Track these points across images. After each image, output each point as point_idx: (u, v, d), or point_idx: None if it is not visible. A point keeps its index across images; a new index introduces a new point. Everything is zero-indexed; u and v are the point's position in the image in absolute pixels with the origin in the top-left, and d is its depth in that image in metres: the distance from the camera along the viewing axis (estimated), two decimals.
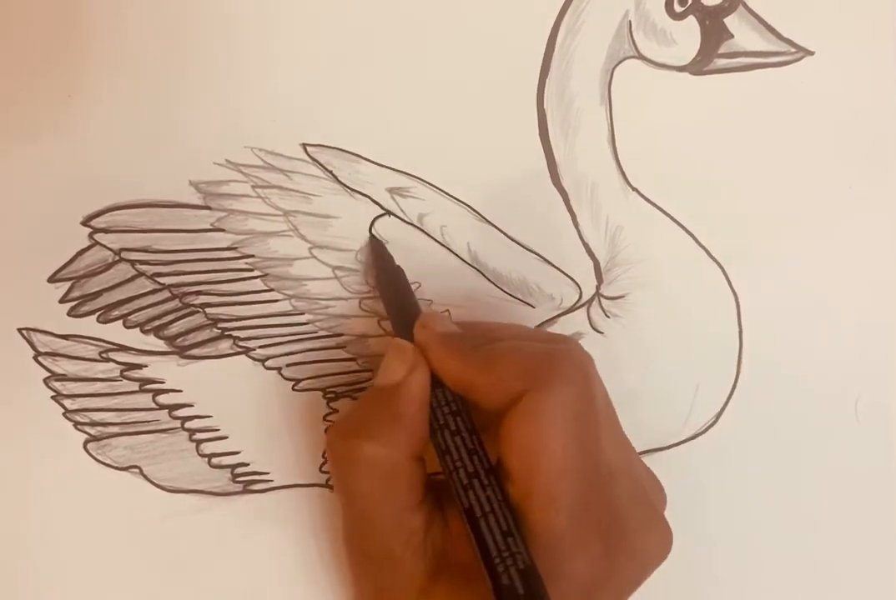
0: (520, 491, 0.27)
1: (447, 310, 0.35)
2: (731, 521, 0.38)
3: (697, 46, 0.34)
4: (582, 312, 0.36)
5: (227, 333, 0.34)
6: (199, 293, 0.34)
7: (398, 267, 0.33)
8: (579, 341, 0.36)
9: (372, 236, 0.34)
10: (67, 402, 0.34)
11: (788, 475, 0.38)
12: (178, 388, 0.35)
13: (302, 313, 0.34)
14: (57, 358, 0.34)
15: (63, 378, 0.34)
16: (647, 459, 0.37)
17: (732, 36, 0.34)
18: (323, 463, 0.36)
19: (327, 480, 0.36)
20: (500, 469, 0.28)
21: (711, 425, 0.37)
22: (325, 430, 0.34)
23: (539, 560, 0.26)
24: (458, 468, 0.28)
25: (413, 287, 0.34)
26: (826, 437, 0.38)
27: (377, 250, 0.34)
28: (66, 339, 0.33)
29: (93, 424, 0.34)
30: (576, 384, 0.28)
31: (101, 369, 0.34)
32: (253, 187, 0.33)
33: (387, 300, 0.33)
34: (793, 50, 0.35)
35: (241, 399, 0.35)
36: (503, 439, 0.28)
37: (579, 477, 0.27)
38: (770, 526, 0.38)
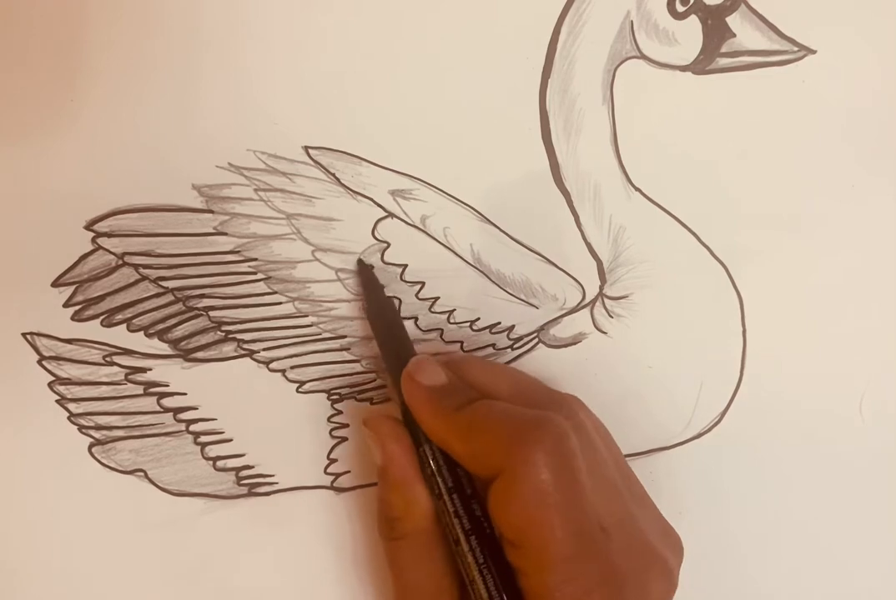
0: (516, 556, 0.28)
1: (440, 353, 0.35)
2: (736, 520, 0.38)
3: (699, 46, 0.34)
4: (585, 312, 0.36)
5: (231, 336, 0.34)
6: (202, 296, 0.34)
7: (389, 298, 0.34)
8: (583, 341, 0.36)
9: (360, 262, 0.34)
10: (72, 406, 0.34)
11: (792, 474, 0.38)
12: (182, 391, 0.35)
13: (306, 315, 0.34)
14: (61, 362, 0.34)
15: (67, 382, 0.34)
16: (651, 459, 0.37)
17: (735, 35, 0.34)
18: (328, 465, 0.36)
19: (332, 482, 0.36)
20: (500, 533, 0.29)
21: (715, 424, 0.37)
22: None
23: None
24: (448, 532, 0.30)
25: (416, 287, 0.35)
26: (830, 436, 0.38)
27: (366, 279, 0.34)
28: (70, 343, 0.33)
29: (97, 428, 0.34)
30: (551, 455, 0.28)
31: (105, 373, 0.34)
32: (255, 190, 0.33)
33: (377, 335, 0.33)
34: (795, 49, 0.35)
35: (246, 401, 0.35)
36: (491, 510, 0.29)
37: (566, 539, 0.28)
38: (775, 524, 0.39)
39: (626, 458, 0.37)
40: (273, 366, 0.35)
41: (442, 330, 0.35)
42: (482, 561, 0.29)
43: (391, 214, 0.34)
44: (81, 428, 0.34)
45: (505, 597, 0.28)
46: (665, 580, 0.30)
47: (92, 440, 0.34)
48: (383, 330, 0.33)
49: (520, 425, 0.29)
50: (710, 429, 0.38)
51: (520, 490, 0.28)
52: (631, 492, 0.32)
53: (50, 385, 0.34)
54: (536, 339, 0.36)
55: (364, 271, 0.34)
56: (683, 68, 0.34)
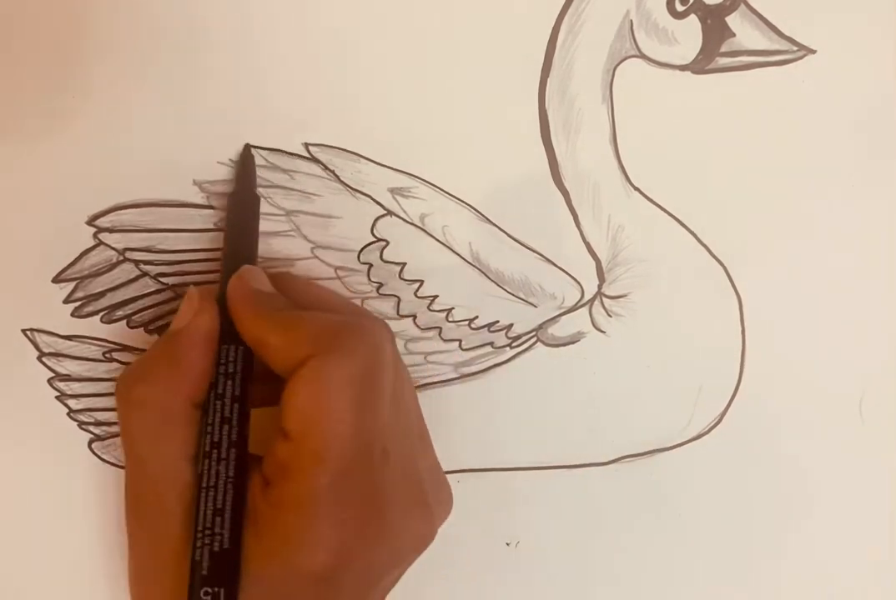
0: (290, 451, 0.27)
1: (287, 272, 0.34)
2: (736, 522, 0.38)
3: (699, 45, 0.34)
4: (584, 312, 0.36)
5: None
6: None
7: (256, 195, 0.33)
8: (581, 340, 0.36)
9: (246, 147, 0.33)
10: (72, 402, 0.34)
11: (792, 475, 0.38)
12: None
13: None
14: (61, 358, 0.34)
15: (67, 378, 0.34)
16: (650, 460, 0.37)
17: (734, 34, 0.34)
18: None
19: None
20: (279, 431, 0.28)
21: (715, 425, 0.37)
22: None
23: (290, 522, 0.27)
24: (207, 433, 0.28)
25: (415, 285, 0.35)
26: (830, 437, 0.38)
27: (244, 168, 0.33)
28: (70, 340, 0.34)
29: (97, 424, 0.34)
30: (363, 356, 0.28)
31: (105, 369, 0.34)
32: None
33: (228, 233, 0.32)
34: (794, 48, 0.35)
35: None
36: (284, 400, 0.27)
37: (351, 445, 0.27)
38: (774, 526, 0.38)
39: (625, 459, 0.37)
40: None
41: (440, 328, 0.35)
42: (231, 474, 0.28)
43: (390, 212, 0.34)
44: (81, 424, 0.34)
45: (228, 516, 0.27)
46: (426, 524, 0.30)
47: (92, 436, 0.34)
48: (238, 224, 0.32)
49: (342, 324, 0.28)
50: (709, 430, 0.37)
51: (326, 377, 0.27)
52: (419, 435, 0.31)
53: (50, 381, 0.34)
54: (535, 338, 0.36)
55: (246, 158, 0.33)
56: (683, 68, 0.34)
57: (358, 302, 0.34)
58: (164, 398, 0.28)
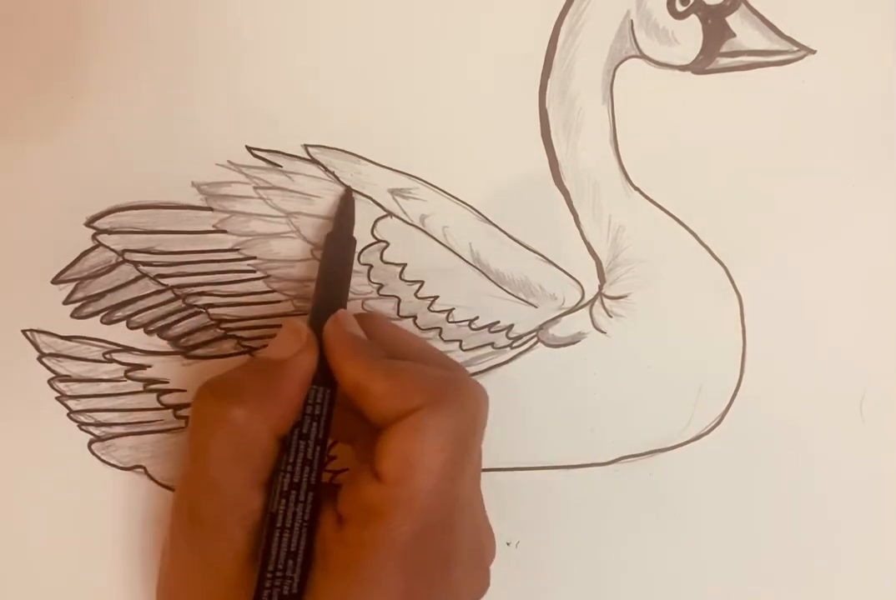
0: (380, 494, 0.27)
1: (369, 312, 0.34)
2: (736, 522, 0.38)
3: (699, 45, 0.34)
4: (584, 312, 0.36)
5: (230, 333, 0.34)
6: (202, 294, 0.34)
7: (353, 238, 0.33)
8: (582, 340, 0.36)
9: (347, 190, 0.33)
10: (72, 403, 0.34)
11: (793, 475, 0.38)
12: (182, 388, 0.35)
13: (305, 314, 0.34)
14: (61, 359, 0.34)
15: (67, 379, 0.34)
16: (650, 460, 0.37)
17: (734, 35, 0.34)
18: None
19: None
20: (365, 471, 0.28)
21: (715, 426, 0.37)
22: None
23: (365, 565, 0.27)
24: (287, 472, 0.28)
25: (415, 286, 0.35)
26: (831, 437, 0.38)
27: (344, 210, 0.33)
28: (70, 340, 0.34)
29: (97, 425, 0.35)
30: (467, 414, 0.28)
31: (105, 370, 0.34)
32: (255, 188, 0.33)
33: (322, 274, 0.32)
34: (795, 48, 0.34)
35: None
36: (383, 445, 0.27)
37: (441, 500, 0.27)
38: (774, 526, 0.38)
39: (625, 460, 0.37)
40: None
41: (441, 328, 0.35)
42: (307, 519, 0.28)
43: (390, 213, 0.34)
44: (81, 424, 0.34)
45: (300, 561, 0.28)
46: (481, 588, 0.31)
47: (92, 436, 0.35)
48: (333, 266, 0.32)
49: (451, 380, 0.29)
50: (709, 431, 0.37)
51: (433, 429, 0.27)
52: (476, 486, 0.31)
53: (50, 382, 0.34)
54: (535, 338, 0.36)
55: (347, 201, 0.33)
56: (683, 68, 0.34)
57: (358, 303, 0.35)
58: (252, 424, 0.28)
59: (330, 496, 0.29)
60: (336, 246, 0.33)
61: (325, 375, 0.29)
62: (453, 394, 0.28)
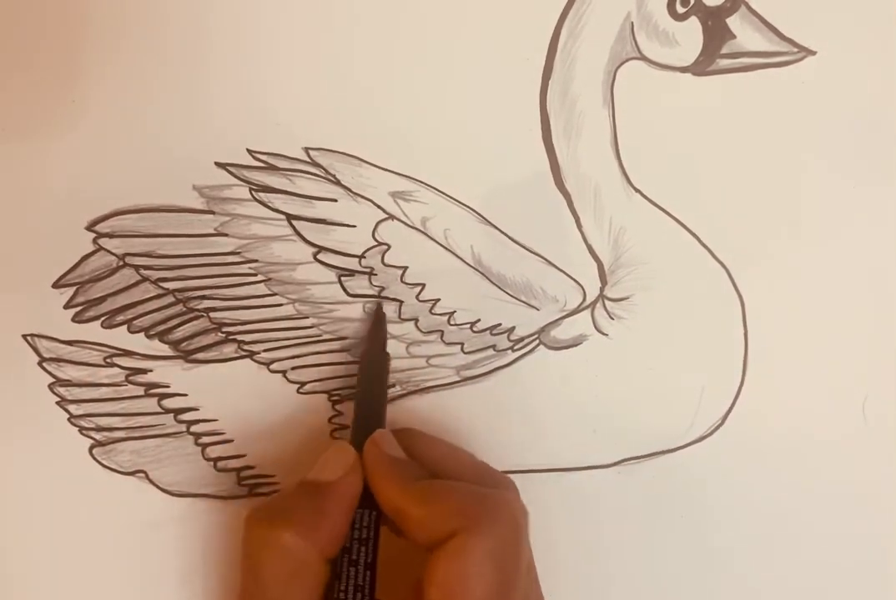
0: None
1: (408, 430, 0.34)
2: (738, 523, 0.38)
3: (700, 47, 0.34)
4: (586, 314, 0.36)
5: (231, 337, 0.34)
6: (203, 297, 0.34)
7: (387, 353, 0.34)
8: (584, 342, 0.36)
9: (379, 307, 0.34)
10: (72, 408, 0.34)
11: (796, 476, 0.38)
12: (183, 392, 0.35)
13: (306, 317, 0.34)
14: (61, 363, 0.34)
15: (68, 383, 0.34)
16: (653, 462, 0.37)
17: (735, 36, 0.34)
18: None
19: None
20: (417, 595, 0.28)
21: (717, 427, 0.37)
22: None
23: None
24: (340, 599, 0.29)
25: (417, 289, 0.35)
26: (833, 438, 0.38)
27: (377, 327, 0.34)
28: (71, 345, 0.34)
29: (98, 429, 0.34)
30: (505, 533, 0.28)
31: (105, 374, 0.34)
32: (256, 191, 0.33)
33: (360, 392, 0.33)
34: (795, 50, 0.35)
35: (246, 402, 0.35)
36: (429, 571, 0.28)
37: None
38: (777, 527, 0.38)
39: (628, 462, 0.37)
40: (274, 367, 0.35)
41: (442, 331, 0.35)
42: None
43: (392, 216, 0.34)
44: (82, 429, 0.34)
45: None
46: None
47: (93, 441, 0.34)
48: (369, 383, 0.33)
49: (485, 498, 0.29)
50: (712, 433, 0.37)
51: (471, 553, 0.27)
52: (534, 588, 0.31)
53: (50, 386, 0.34)
54: (537, 341, 0.36)
55: (379, 317, 0.34)
56: (684, 69, 0.34)
57: (359, 305, 0.34)
58: (303, 548, 0.28)
59: None
60: (372, 364, 0.33)
61: (370, 498, 0.30)
62: (488, 513, 0.28)
